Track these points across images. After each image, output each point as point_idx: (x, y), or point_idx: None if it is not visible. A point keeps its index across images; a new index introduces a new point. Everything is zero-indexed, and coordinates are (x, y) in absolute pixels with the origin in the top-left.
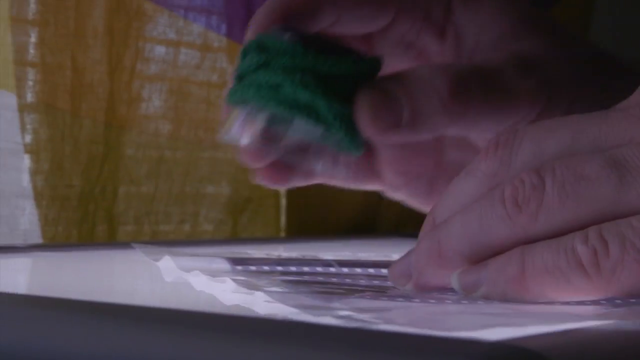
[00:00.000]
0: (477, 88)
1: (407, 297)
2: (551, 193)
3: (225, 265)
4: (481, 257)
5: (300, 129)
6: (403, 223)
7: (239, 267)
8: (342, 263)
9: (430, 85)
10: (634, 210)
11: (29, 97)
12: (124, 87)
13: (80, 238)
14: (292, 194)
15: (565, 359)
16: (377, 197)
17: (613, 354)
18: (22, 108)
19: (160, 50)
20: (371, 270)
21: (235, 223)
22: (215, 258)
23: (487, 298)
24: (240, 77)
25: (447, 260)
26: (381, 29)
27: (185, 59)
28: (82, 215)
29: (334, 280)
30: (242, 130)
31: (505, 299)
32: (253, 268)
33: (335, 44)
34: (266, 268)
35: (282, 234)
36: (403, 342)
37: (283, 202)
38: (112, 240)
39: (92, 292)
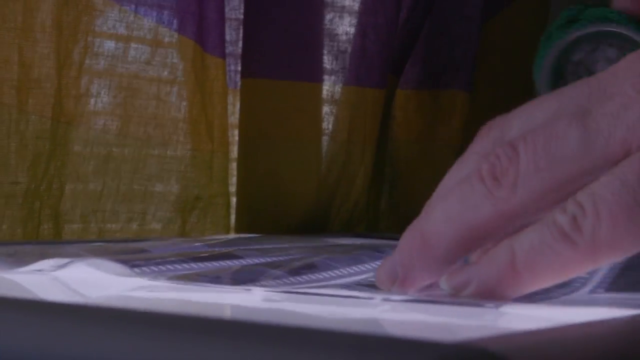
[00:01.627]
0: None
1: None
2: (525, 159)
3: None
4: (467, 239)
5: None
6: (355, 222)
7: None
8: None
9: None
10: (606, 158)
11: None
12: (72, 83)
13: (25, 236)
14: (242, 192)
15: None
16: (329, 195)
17: (574, 353)
18: None
19: (109, 45)
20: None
21: (184, 222)
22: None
23: (478, 295)
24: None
25: (432, 247)
26: None
27: (135, 55)
28: (27, 213)
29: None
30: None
31: (495, 295)
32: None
33: None
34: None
35: (232, 233)
36: (357, 342)
37: (233, 200)
38: (58, 238)
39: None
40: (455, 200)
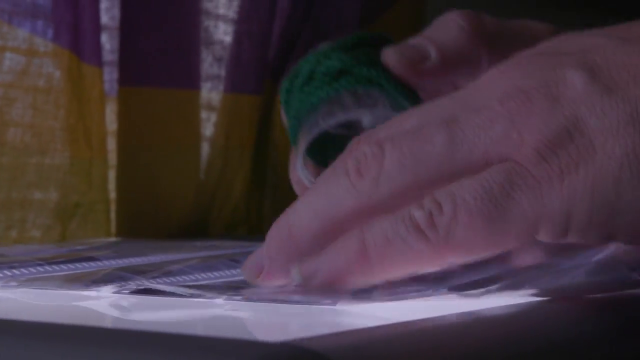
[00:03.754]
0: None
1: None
2: (390, 157)
3: None
4: (331, 232)
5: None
6: (235, 226)
7: None
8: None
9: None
10: (468, 167)
11: None
12: None
13: None
14: (122, 198)
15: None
16: (208, 199)
17: (399, 352)
18: None
19: None
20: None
21: (64, 229)
22: None
23: (327, 285)
24: (287, 97)
25: (296, 240)
26: None
27: (10, 64)
28: None
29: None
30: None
31: (344, 283)
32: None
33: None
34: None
35: (113, 239)
36: (178, 343)
37: (113, 206)
38: None
39: None
40: (320, 194)
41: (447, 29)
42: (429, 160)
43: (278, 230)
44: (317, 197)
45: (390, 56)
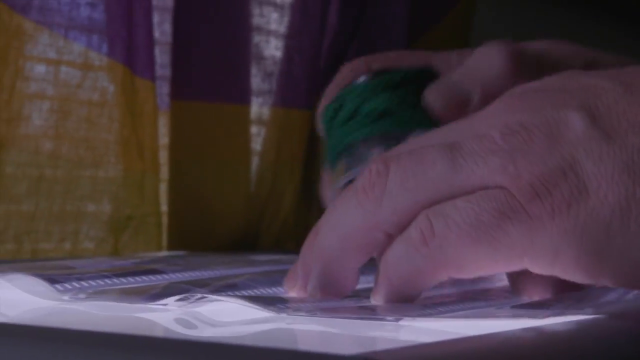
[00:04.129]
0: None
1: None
2: (393, 178)
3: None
4: (349, 249)
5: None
6: (283, 239)
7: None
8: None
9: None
10: (465, 191)
11: None
12: (4, 106)
13: None
14: (173, 212)
15: None
16: (258, 213)
17: None
18: None
19: (40, 68)
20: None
21: (116, 241)
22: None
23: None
24: (327, 130)
25: (322, 259)
26: None
27: (66, 78)
28: None
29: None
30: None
31: (376, 300)
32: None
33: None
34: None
35: (177, 252)
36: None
37: (165, 220)
38: None
39: None
40: (338, 212)
41: (490, 65)
42: (429, 183)
43: (307, 248)
44: (334, 214)
45: (434, 100)
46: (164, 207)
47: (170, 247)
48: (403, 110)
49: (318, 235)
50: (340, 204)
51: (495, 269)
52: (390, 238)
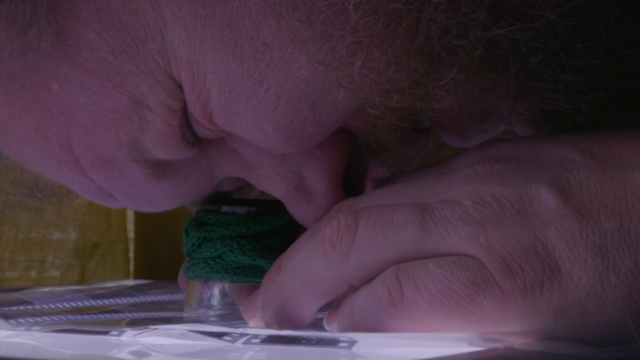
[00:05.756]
0: None
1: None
2: (362, 233)
3: None
4: (312, 294)
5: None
6: None
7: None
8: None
9: None
10: (433, 254)
11: None
12: None
13: None
14: (140, 239)
15: None
16: None
17: None
18: None
19: None
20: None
21: (83, 268)
22: None
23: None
24: (189, 254)
25: (281, 296)
26: None
27: None
28: None
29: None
30: (204, 298)
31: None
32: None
33: (265, 200)
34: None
35: (131, 279)
36: None
37: (131, 247)
38: None
39: None
40: (302, 260)
41: None
42: (399, 244)
43: (268, 282)
44: (299, 260)
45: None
46: (131, 234)
47: (137, 274)
48: (232, 256)
49: (280, 274)
50: (305, 249)
51: (468, 331)
52: (352, 287)
